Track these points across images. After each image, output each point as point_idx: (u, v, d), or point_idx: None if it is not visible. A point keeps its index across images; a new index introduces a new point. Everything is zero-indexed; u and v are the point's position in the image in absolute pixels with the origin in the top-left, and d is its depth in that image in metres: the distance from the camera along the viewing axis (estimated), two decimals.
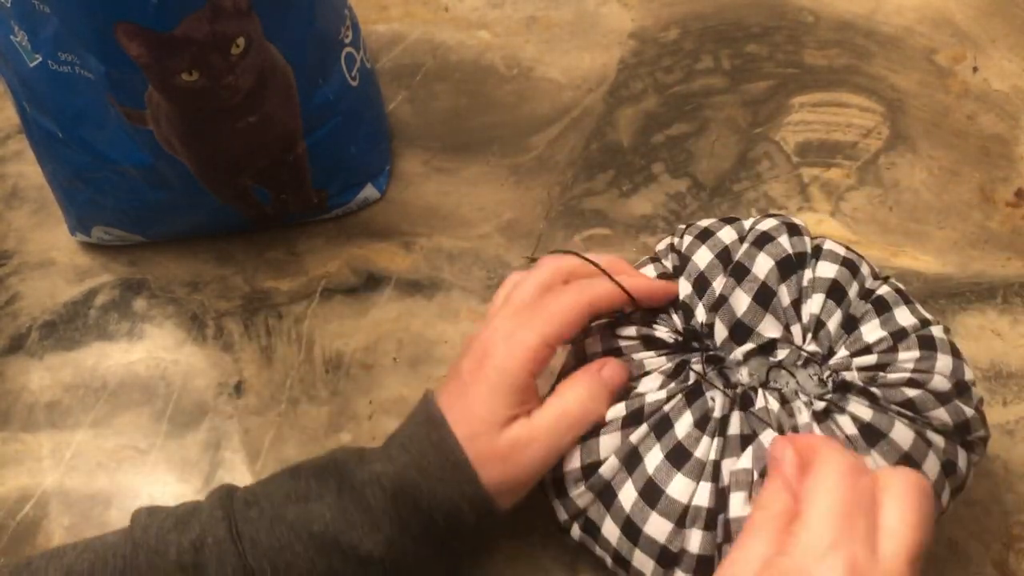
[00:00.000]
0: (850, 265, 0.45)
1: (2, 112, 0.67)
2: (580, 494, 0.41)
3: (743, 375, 0.42)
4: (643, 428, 0.40)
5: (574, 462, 0.41)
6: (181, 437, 0.53)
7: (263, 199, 0.57)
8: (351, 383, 0.54)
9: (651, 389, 0.42)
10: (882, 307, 0.44)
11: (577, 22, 0.71)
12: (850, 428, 0.40)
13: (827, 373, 0.42)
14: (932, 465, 0.40)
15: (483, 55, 0.69)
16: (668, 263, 0.47)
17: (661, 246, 0.49)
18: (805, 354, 0.42)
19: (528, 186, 0.62)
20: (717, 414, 0.40)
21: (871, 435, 0.40)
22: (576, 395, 0.41)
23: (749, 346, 0.43)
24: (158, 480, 0.52)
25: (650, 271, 0.47)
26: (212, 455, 0.52)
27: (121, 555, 0.37)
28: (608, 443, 0.41)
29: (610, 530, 0.40)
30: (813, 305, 0.43)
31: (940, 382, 0.41)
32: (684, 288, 0.44)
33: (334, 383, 0.54)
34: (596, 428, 0.41)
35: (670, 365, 0.43)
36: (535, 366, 0.40)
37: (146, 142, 0.51)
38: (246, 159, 0.54)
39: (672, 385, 0.42)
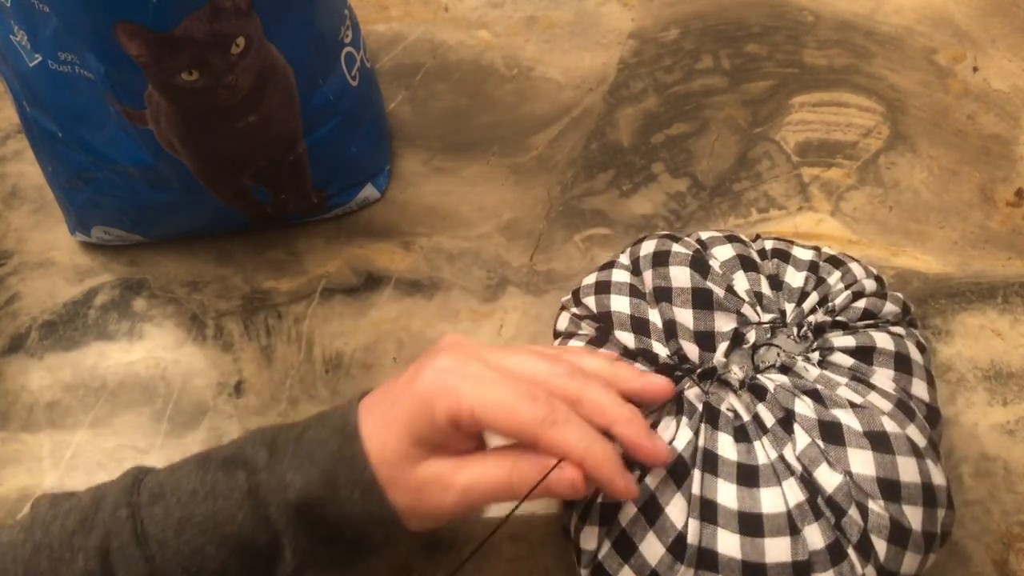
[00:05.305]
0: (735, 238, 0.46)
1: (2, 112, 0.67)
2: (682, 573, 0.38)
3: (736, 372, 0.42)
4: (696, 474, 0.38)
5: (656, 550, 0.38)
6: (181, 437, 0.53)
7: (263, 199, 0.57)
8: (351, 383, 0.54)
9: (668, 437, 0.40)
10: (782, 255, 0.46)
11: (577, 22, 0.71)
12: (847, 360, 0.41)
13: (796, 329, 0.43)
14: (914, 352, 0.42)
15: (483, 55, 0.69)
16: (579, 311, 0.46)
17: (565, 298, 0.49)
18: (766, 324, 0.43)
19: (528, 186, 0.62)
20: (746, 418, 0.40)
21: (864, 354, 0.41)
22: (509, 471, 0.36)
23: (723, 345, 0.43)
24: None
25: (564, 319, 0.47)
26: None
27: (21, 559, 0.34)
28: (675, 513, 0.38)
29: None
30: (740, 283, 0.44)
31: (868, 284, 0.44)
32: (628, 339, 0.44)
33: (334, 383, 0.54)
34: (653, 513, 0.38)
35: (670, 404, 0.42)
36: (454, 421, 0.35)
37: (146, 142, 0.51)
38: (246, 159, 0.54)
39: (686, 421, 0.40)
